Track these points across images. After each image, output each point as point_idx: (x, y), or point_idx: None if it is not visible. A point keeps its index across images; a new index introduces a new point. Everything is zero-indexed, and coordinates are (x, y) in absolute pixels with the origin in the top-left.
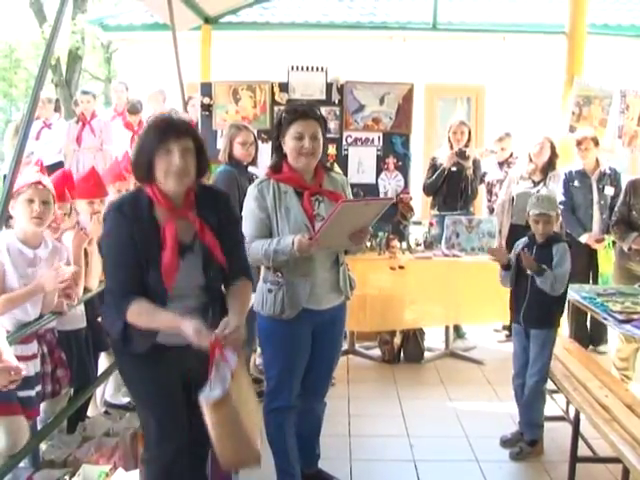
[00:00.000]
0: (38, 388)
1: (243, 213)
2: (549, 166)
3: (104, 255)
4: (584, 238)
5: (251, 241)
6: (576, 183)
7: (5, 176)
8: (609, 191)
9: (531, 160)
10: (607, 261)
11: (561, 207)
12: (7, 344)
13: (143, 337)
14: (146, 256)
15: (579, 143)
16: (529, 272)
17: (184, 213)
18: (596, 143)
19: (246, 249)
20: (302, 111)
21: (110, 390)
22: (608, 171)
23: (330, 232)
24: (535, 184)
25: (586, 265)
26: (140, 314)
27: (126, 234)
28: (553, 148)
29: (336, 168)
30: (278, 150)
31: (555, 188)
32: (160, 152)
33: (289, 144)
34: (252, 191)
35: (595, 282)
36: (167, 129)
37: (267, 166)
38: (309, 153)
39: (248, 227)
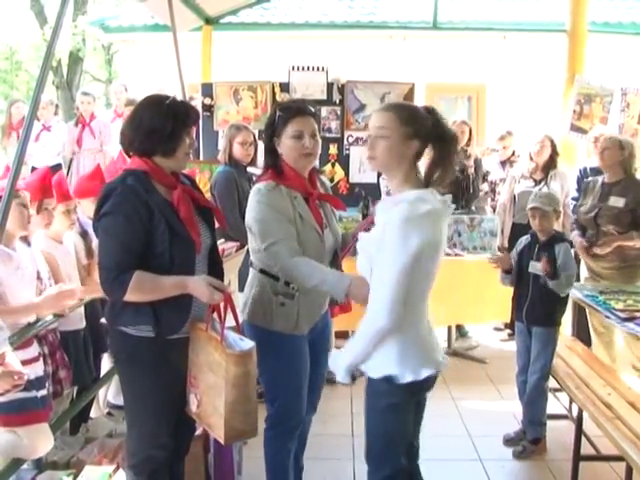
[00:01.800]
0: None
1: (258, 221)
2: (550, 164)
3: (106, 232)
4: None
5: (287, 246)
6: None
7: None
8: None
9: (532, 159)
10: None
11: (573, 203)
12: (10, 348)
13: (176, 314)
14: (168, 222)
15: (597, 140)
16: (533, 271)
17: (181, 185)
18: None
19: (282, 259)
20: (299, 108)
21: (113, 391)
22: None
23: None
24: (537, 183)
25: None
26: (143, 283)
27: (132, 210)
28: (554, 146)
29: (337, 168)
30: (272, 152)
31: (557, 187)
32: (188, 133)
33: (287, 144)
34: (266, 196)
35: None
36: (196, 115)
37: (265, 167)
38: (310, 153)
39: (274, 230)
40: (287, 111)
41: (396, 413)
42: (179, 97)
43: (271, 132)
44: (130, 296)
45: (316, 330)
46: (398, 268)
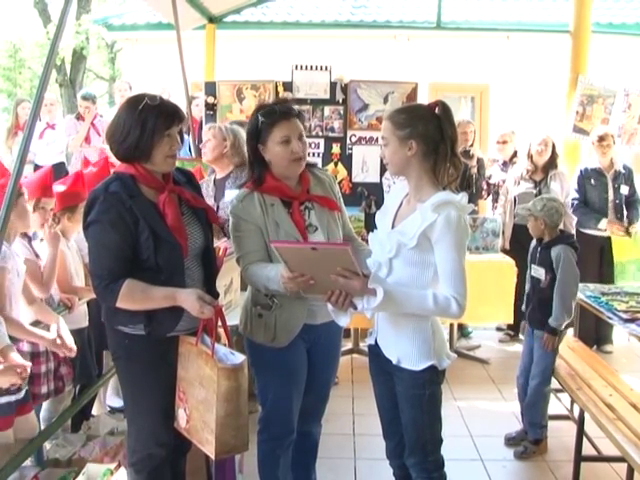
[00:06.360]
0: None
1: (231, 231)
2: (550, 165)
3: (94, 240)
4: (603, 224)
5: (247, 261)
6: (592, 181)
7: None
8: (624, 190)
9: (531, 159)
10: (623, 249)
11: (574, 203)
12: (9, 342)
13: (169, 314)
14: (152, 228)
15: (601, 139)
16: (534, 275)
17: (169, 187)
18: (614, 141)
19: (242, 271)
20: (282, 111)
21: (109, 393)
22: (623, 170)
23: (311, 273)
24: (537, 184)
25: (596, 259)
26: (133, 292)
27: (116, 216)
28: (554, 147)
29: (340, 167)
30: (259, 161)
31: (557, 187)
32: (163, 136)
33: (274, 150)
34: (237, 207)
35: (606, 275)
36: (173, 116)
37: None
38: (300, 157)
39: (241, 244)
40: (270, 116)
41: (437, 399)
42: (166, 95)
43: (255, 139)
44: (121, 304)
45: (319, 338)
46: (462, 266)
